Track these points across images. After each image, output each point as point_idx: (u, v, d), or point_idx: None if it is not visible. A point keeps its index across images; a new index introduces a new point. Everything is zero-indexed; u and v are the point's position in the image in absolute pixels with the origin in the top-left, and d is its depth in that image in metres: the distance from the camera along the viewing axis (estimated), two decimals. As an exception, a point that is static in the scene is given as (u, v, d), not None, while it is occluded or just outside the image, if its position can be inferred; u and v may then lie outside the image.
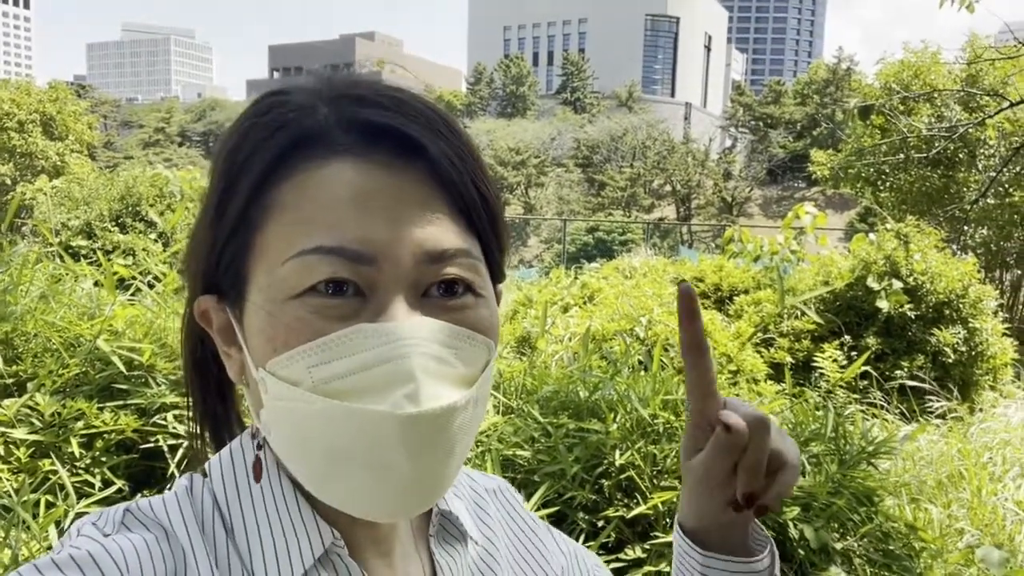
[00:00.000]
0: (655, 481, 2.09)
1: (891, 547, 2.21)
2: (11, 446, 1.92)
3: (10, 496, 1.71)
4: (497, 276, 0.61)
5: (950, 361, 5.87)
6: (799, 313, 5.98)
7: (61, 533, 1.79)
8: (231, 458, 0.61)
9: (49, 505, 1.77)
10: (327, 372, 0.52)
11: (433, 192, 0.55)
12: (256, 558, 0.56)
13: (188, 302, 0.62)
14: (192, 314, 0.61)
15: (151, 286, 2.72)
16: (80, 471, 1.98)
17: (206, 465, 0.62)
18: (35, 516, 1.67)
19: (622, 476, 2.05)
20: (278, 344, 0.53)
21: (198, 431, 0.66)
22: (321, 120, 0.55)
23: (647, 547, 2.00)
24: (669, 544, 1.98)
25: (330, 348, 0.52)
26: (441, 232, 0.54)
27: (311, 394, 0.52)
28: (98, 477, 1.98)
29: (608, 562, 1.94)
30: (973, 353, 5.99)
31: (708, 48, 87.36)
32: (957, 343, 5.89)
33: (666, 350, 4.23)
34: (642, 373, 2.52)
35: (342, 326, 0.52)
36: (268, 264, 0.54)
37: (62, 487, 1.78)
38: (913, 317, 5.94)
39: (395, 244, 0.53)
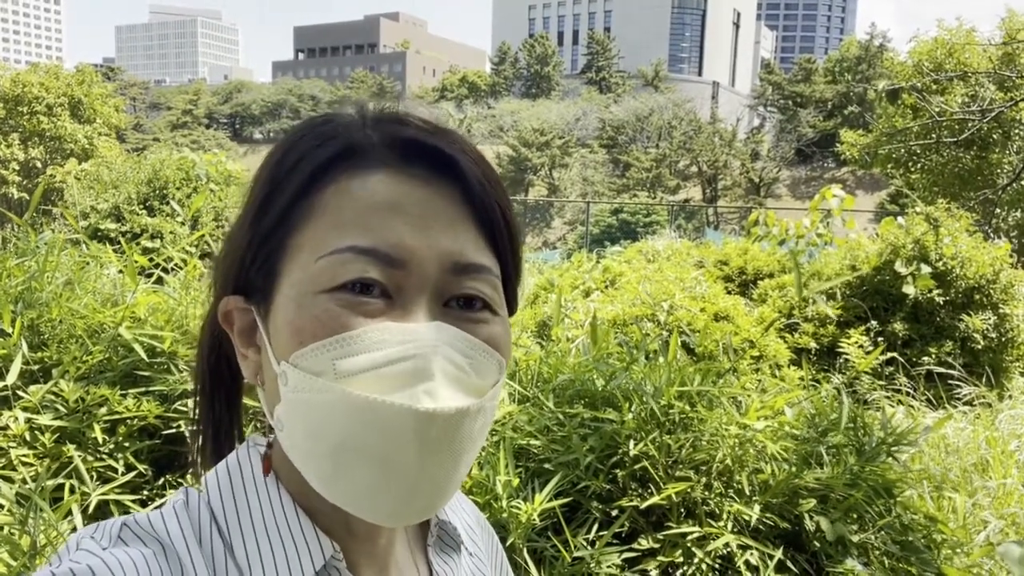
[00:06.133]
0: (669, 471, 2.08)
1: (910, 539, 2.18)
2: (36, 432, 1.97)
3: (25, 482, 1.75)
4: (512, 306, 0.64)
5: (979, 347, 5.76)
6: (824, 298, 5.90)
7: (84, 514, 1.84)
8: (228, 472, 0.62)
9: (72, 490, 1.81)
10: (351, 365, 0.53)
11: (462, 209, 0.59)
12: (256, 571, 0.57)
13: (212, 305, 0.64)
14: (214, 318, 0.63)
15: (167, 271, 2.75)
16: (104, 456, 2.02)
17: (202, 479, 0.63)
18: (58, 500, 1.71)
19: (636, 466, 2.05)
20: (305, 336, 0.55)
21: (200, 431, 0.68)
22: (367, 137, 0.59)
23: (660, 537, 2.00)
24: (683, 535, 1.98)
25: (356, 342, 0.54)
26: (468, 246, 0.58)
27: (333, 383, 0.53)
28: (121, 462, 2.02)
29: (621, 552, 1.95)
30: (1003, 339, 5.87)
31: (737, 25, 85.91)
32: (987, 329, 5.77)
33: (685, 335, 4.20)
34: (659, 361, 2.51)
35: (368, 322, 0.54)
36: (302, 261, 0.57)
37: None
38: (942, 303, 5.83)
39: (424, 251, 0.56)
